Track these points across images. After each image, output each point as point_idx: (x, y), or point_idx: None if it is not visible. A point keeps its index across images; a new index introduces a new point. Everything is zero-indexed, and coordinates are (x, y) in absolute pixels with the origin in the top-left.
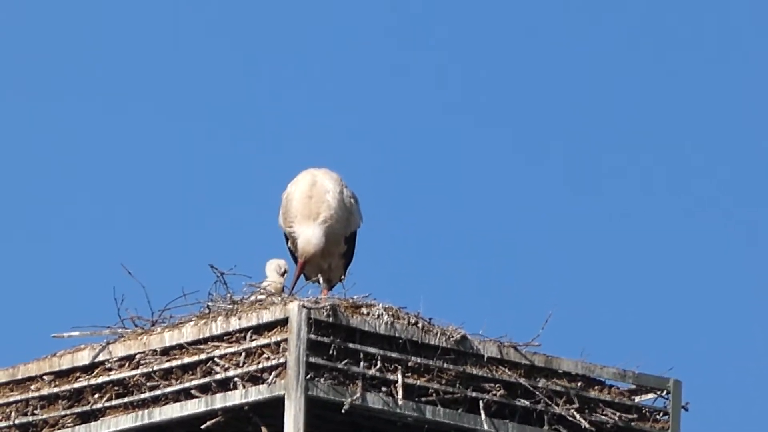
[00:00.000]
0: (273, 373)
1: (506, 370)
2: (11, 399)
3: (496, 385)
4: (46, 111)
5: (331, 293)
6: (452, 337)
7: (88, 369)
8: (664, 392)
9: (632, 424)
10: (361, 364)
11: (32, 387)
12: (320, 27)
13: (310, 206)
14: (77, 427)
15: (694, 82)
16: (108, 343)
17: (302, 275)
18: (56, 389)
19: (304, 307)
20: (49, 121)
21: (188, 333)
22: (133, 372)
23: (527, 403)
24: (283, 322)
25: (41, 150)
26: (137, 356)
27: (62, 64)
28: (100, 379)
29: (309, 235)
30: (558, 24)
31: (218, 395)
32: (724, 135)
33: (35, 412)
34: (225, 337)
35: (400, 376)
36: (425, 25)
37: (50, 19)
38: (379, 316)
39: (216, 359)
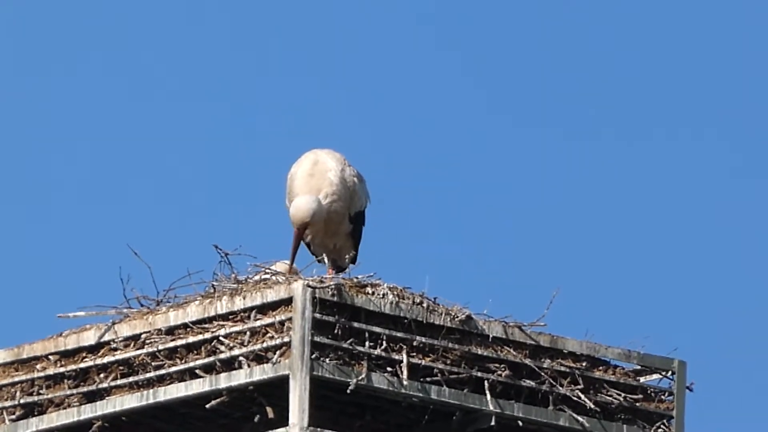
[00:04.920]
0: (278, 353)
1: (511, 350)
2: (17, 379)
3: (501, 366)
4: (56, 89)
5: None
6: (457, 317)
7: (94, 349)
8: (669, 373)
9: (637, 404)
10: (366, 343)
11: (38, 367)
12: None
13: (312, 184)
14: (83, 406)
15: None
16: (113, 323)
17: (312, 254)
18: (62, 369)
19: (308, 286)
20: (56, 101)
21: (193, 312)
22: (139, 351)
23: (532, 383)
24: (288, 302)
25: (48, 130)
26: (142, 336)
27: (73, 45)
28: (105, 359)
29: (299, 203)
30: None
31: (223, 375)
32: (729, 116)
33: (41, 392)
34: (230, 317)
35: (405, 356)
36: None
37: (50, 12)
38: (384, 295)
39: (221, 339)
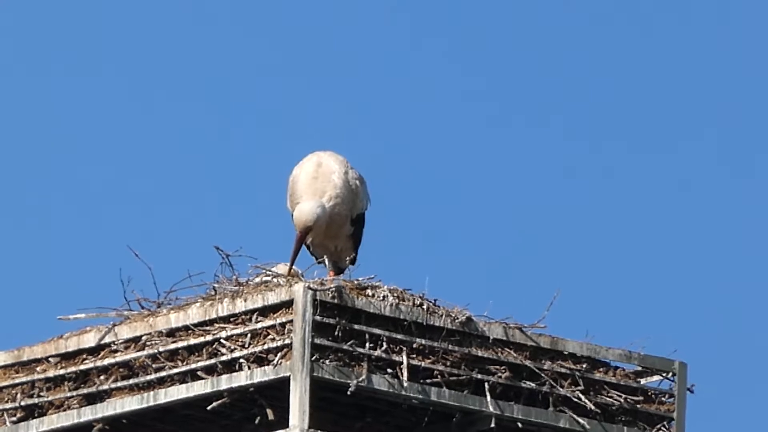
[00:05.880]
0: (278, 355)
1: (511, 352)
2: (17, 381)
3: (502, 367)
4: (53, 89)
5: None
6: (457, 318)
7: (94, 351)
8: (670, 374)
9: (637, 406)
10: (367, 345)
11: (38, 369)
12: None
13: (316, 186)
14: (83, 408)
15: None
16: (114, 325)
17: (311, 255)
18: (62, 371)
19: (309, 288)
20: (54, 100)
21: (194, 314)
22: (139, 353)
23: (533, 384)
24: (289, 304)
25: (46, 131)
26: (143, 338)
27: (73, 45)
28: (106, 361)
29: (304, 207)
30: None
31: (224, 376)
32: (729, 117)
33: (41, 394)
34: (231, 319)
35: (405, 358)
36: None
37: (50, 13)
38: (384, 297)
39: (222, 341)
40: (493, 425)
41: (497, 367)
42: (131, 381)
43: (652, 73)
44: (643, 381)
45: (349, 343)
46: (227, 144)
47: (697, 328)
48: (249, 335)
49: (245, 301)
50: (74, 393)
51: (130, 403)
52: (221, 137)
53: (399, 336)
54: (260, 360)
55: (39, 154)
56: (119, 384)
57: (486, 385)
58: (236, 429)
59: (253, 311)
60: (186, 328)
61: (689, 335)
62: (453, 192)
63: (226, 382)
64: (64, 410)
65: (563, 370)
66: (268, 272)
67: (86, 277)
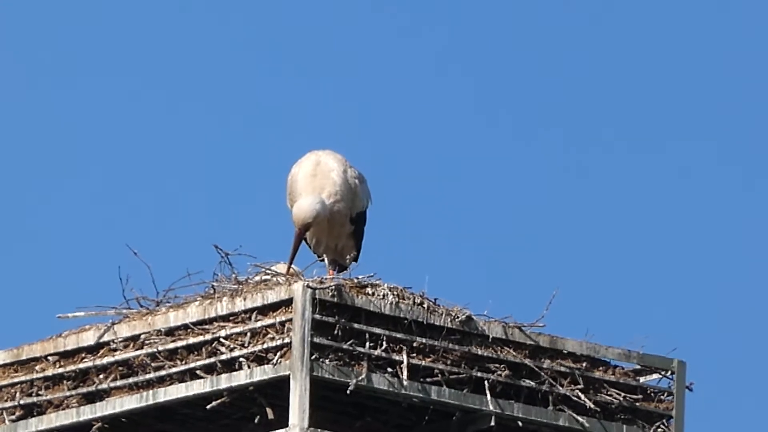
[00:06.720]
0: (278, 354)
1: (511, 351)
2: (16, 380)
3: (501, 366)
4: (53, 89)
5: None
6: (457, 317)
7: (93, 349)
8: (669, 372)
9: (637, 404)
10: (366, 344)
11: (37, 368)
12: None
13: (314, 184)
14: (82, 407)
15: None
16: (113, 324)
17: (313, 254)
18: (61, 370)
19: (308, 287)
20: (53, 100)
21: (193, 313)
22: (138, 352)
23: (532, 383)
24: (288, 303)
25: (46, 129)
26: (142, 336)
27: (73, 45)
28: (105, 360)
29: (303, 203)
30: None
31: (223, 375)
32: (729, 119)
33: (40, 392)
34: (230, 318)
35: (405, 357)
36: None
37: (50, 13)
38: (384, 296)
39: (221, 339)
40: (492, 424)
41: (497, 365)
42: (130, 380)
43: (653, 73)
44: (642, 379)
45: (348, 342)
46: (226, 143)
47: (695, 326)
48: (248, 334)
49: (244, 299)
50: (73, 392)
51: (129, 402)
52: (220, 136)
53: (399, 335)
54: (260, 359)
55: (38, 154)
56: (118, 383)
57: (486, 383)
58: (236, 428)
59: (252, 310)
60: (185, 326)
61: (688, 334)
62: (453, 191)
63: (226, 381)
64: (64, 409)
65: (563, 369)
66: (267, 271)
67: (85, 275)
